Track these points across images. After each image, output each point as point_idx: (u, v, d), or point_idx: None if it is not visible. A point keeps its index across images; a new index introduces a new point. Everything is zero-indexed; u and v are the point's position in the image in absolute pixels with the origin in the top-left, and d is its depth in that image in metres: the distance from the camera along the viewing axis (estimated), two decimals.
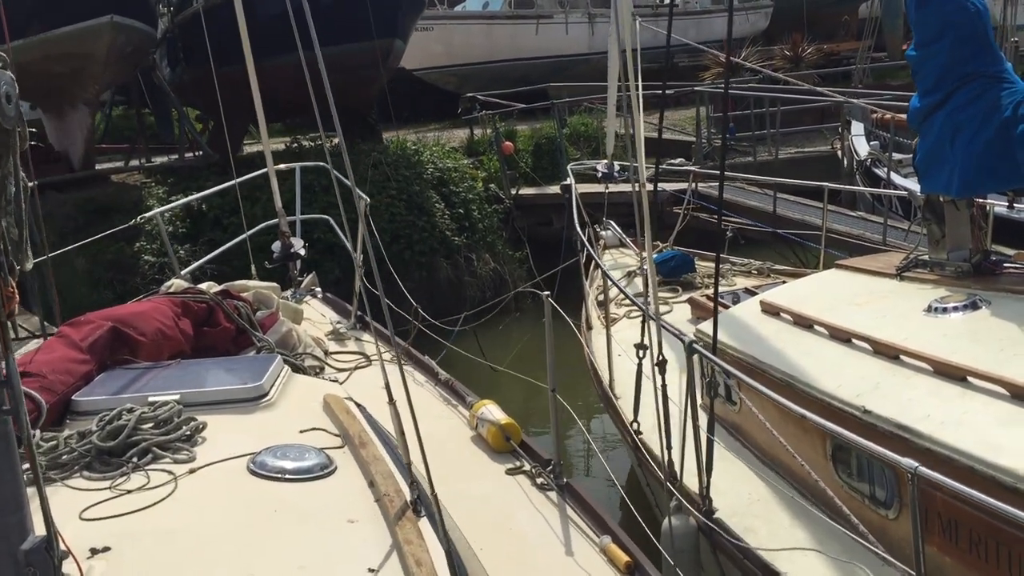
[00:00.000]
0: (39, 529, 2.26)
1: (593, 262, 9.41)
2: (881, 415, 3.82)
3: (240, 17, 6.23)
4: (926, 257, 5.12)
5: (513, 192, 15.51)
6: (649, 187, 5.41)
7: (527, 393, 7.61)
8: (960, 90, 4.76)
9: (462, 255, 13.62)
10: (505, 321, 12.29)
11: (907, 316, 4.52)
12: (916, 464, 2.92)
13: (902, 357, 4.12)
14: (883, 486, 3.93)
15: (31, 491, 2.21)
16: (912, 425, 3.65)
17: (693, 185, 10.90)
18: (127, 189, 14.17)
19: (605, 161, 11.08)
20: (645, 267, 9.13)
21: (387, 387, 2.94)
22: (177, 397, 3.57)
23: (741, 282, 8.22)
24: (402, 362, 5.54)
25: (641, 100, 5.74)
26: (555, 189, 15.12)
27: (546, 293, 4.01)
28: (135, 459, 3.12)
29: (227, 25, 9.26)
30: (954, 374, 3.80)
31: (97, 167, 15.40)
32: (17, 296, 2.26)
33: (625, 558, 3.39)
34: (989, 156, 4.58)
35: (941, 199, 4.98)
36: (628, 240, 10.44)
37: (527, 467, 4.07)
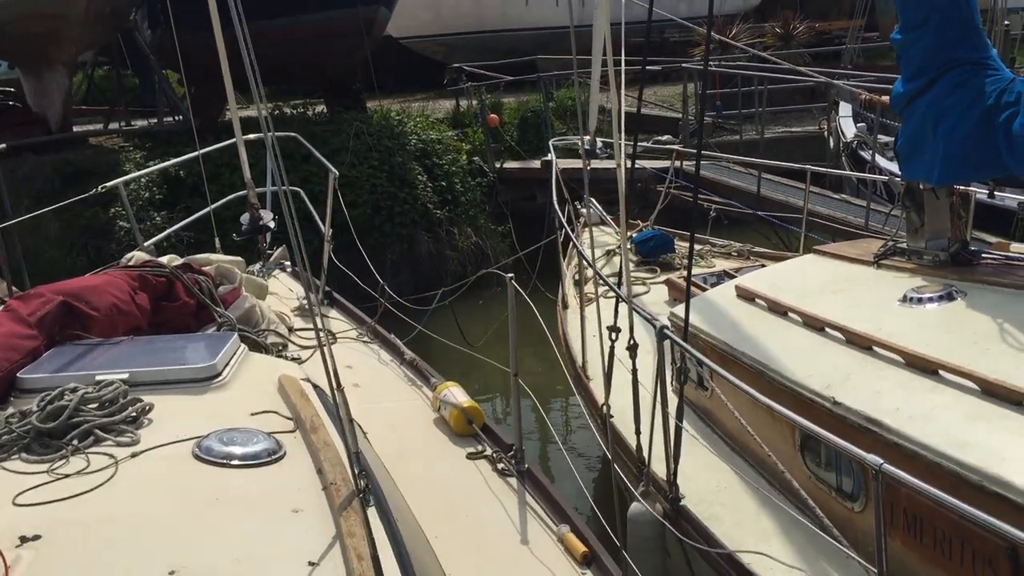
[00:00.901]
0: None
1: (571, 240, 9.31)
2: (851, 407, 3.75)
3: None
4: (904, 245, 5.04)
5: (497, 166, 15.35)
6: (629, 164, 5.28)
7: (504, 373, 7.53)
8: (944, 76, 4.64)
9: (444, 228, 13.49)
10: (485, 296, 12.18)
11: (882, 306, 4.44)
12: (881, 461, 2.85)
13: (874, 348, 4.04)
14: (851, 478, 3.86)
15: None
16: (881, 419, 3.58)
17: (676, 163, 10.76)
18: (105, 152, 13.95)
19: (588, 137, 10.93)
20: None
21: (332, 373, 2.82)
22: (125, 376, 3.45)
23: (721, 264, 8.13)
24: (367, 341, 5.48)
25: (623, 76, 5.61)
26: (540, 163, 14.99)
27: (509, 276, 3.90)
28: (76, 441, 3.00)
29: None
30: (925, 367, 3.73)
31: (76, 129, 15.16)
32: None
33: (582, 548, 3.32)
34: (971, 145, 4.48)
35: (921, 187, 4.89)
36: (608, 218, 10.33)
37: (488, 452, 3.99)
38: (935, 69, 4.69)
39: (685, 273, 8.03)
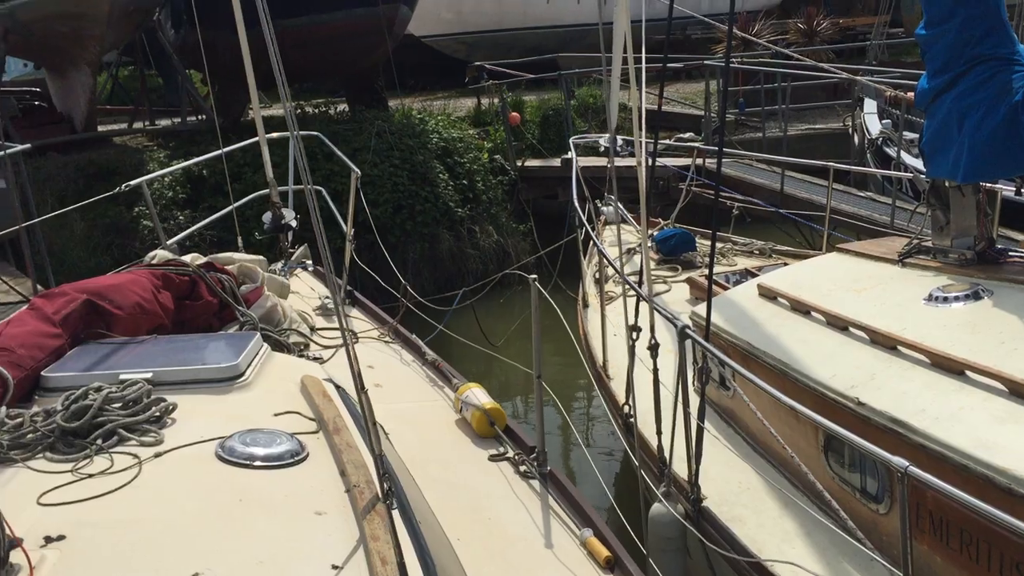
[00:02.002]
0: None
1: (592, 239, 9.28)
2: (875, 408, 3.71)
3: None
4: (929, 243, 4.99)
5: (519, 164, 15.34)
6: (649, 162, 5.25)
7: (525, 371, 7.53)
8: (970, 72, 4.58)
9: (465, 227, 13.48)
10: (507, 295, 12.18)
11: (907, 305, 4.39)
12: (907, 463, 2.81)
13: (899, 348, 4.00)
14: (875, 479, 3.83)
15: None
16: (906, 419, 3.54)
17: (698, 161, 10.71)
18: (129, 151, 14.06)
19: (608, 135, 10.90)
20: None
21: (356, 375, 2.81)
22: (149, 375, 3.46)
23: (743, 262, 8.08)
24: (388, 341, 5.48)
25: (644, 74, 5.59)
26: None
27: (532, 277, 3.89)
28: (100, 441, 3.02)
29: None
30: (952, 367, 3.68)
31: (100, 128, 15.29)
32: None
33: (605, 552, 3.30)
34: (997, 142, 4.42)
35: (947, 184, 4.83)
36: (629, 217, 10.29)
37: (510, 454, 3.98)
38: (961, 65, 4.63)
39: (707, 272, 8.05)
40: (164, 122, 16.25)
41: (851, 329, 4.35)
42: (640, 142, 5.00)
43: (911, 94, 9.21)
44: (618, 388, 5.96)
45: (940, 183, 4.89)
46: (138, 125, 16.09)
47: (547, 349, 6.38)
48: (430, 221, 13.10)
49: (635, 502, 4.46)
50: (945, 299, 4.27)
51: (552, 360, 8.24)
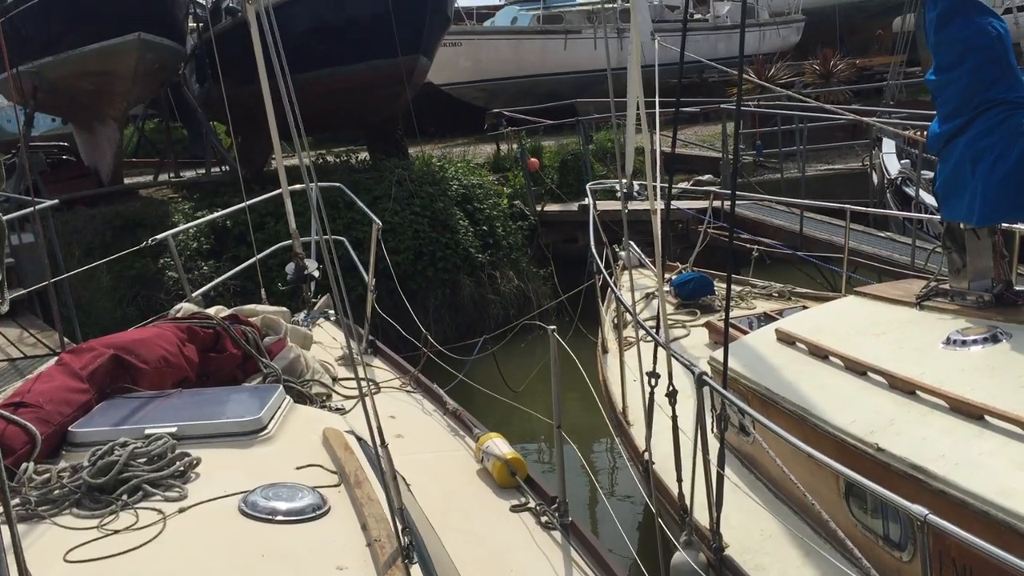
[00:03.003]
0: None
1: (613, 282, 9.31)
2: (894, 454, 3.70)
3: (254, 34, 6.19)
4: (947, 286, 4.99)
5: (538, 209, 15.45)
6: (663, 205, 5.29)
7: (545, 419, 7.54)
8: (981, 116, 4.63)
9: (486, 272, 13.56)
10: (527, 339, 12.21)
11: (925, 349, 4.39)
12: (926, 512, 2.81)
13: (918, 392, 4.00)
14: (898, 526, 3.80)
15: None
16: (926, 465, 3.53)
17: (715, 204, 10.75)
18: (154, 204, 14.29)
19: (625, 180, 10.97)
20: (665, 289, 9.07)
21: (376, 430, 2.86)
22: (173, 430, 3.53)
23: (761, 305, 8.08)
24: (410, 391, 5.52)
25: (658, 118, 5.66)
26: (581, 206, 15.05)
27: (552, 328, 3.92)
28: (125, 496, 3.07)
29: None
30: (971, 412, 3.68)
31: (127, 181, 15.56)
32: None
33: None
34: (1010, 185, 4.46)
35: (962, 227, 4.85)
36: (647, 261, 10.33)
37: (532, 504, 3.99)
38: (971, 110, 4.68)
39: (719, 317, 8.06)
40: (189, 173, 16.52)
41: (869, 374, 4.35)
42: (653, 186, 5.06)
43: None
44: (637, 435, 5.96)
45: (955, 226, 4.91)
46: (164, 177, 16.37)
47: (569, 396, 6.41)
48: (451, 267, 13.19)
49: (655, 548, 4.45)
50: (963, 342, 4.27)
51: (574, 406, 8.24)
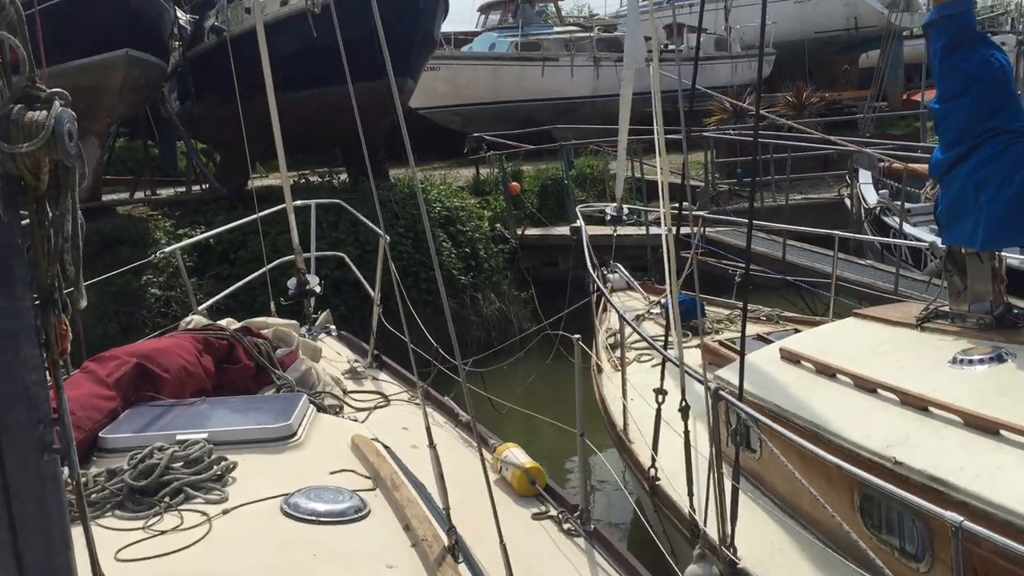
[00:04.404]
0: (83, 570, 2.23)
1: (603, 304, 9.41)
2: (913, 467, 3.79)
3: (263, 51, 6.25)
4: (946, 308, 5.13)
5: (519, 232, 15.55)
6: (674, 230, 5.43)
7: (528, 436, 7.56)
8: (984, 144, 4.79)
9: (468, 294, 13.61)
10: (509, 361, 12.25)
11: (931, 367, 4.51)
12: (960, 518, 2.89)
13: (931, 408, 4.10)
14: (912, 540, 3.89)
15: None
16: (946, 478, 3.63)
17: (701, 230, 10.92)
18: (133, 221, 14.18)
19: (614, 204, 11.13)
20: (654, 311, 9.19)
21: (427, 430, 2.91)
22: (205, 435, 3.54)
23: (751, 328, 8.19)
24: (418, 403, 5.54)
25: (663, 143, 5.80)
26: (561, 230, 15.18)
27: (576, 336, 3.99)
28: (167, 499, 3.08)
29: (244, 60, 9.32)
30: (986, 427, 3.78)
31: (104, 199, 15.43)
32: (70, 334, 2.24)
33: None
34: (1013, 211, 4.61)
35: (963, 251, 4.99)
36: (636, 284, 10.45)
37: (553, 512, 4.03)
38: (974, 138, 4.84)
39: (718, 337, 8.17)
40: (165, 192, 16.43)
41: (880, 391, 4.45)
42: (665, 212, 5.17)
43: (919, 165, 9.45)
44: (639, 451, 6.02)
45: (956, 250, 5.06)
46: (139, 195, 16.25)
47: (562, 417, 6.49)
48: (433, 289, 13.21)
49: (663, 561, 4.51)
50: (970, 361, 4.39)
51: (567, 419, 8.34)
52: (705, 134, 15.63)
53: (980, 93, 4.79)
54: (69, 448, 2.13)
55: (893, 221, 11.26)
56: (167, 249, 6.17)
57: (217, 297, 6.65)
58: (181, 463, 3.27)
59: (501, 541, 2.73)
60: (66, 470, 3.30)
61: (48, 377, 2.11)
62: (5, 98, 2.05)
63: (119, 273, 7.19)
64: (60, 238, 2.21)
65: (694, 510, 4.70)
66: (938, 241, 5.31)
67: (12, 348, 2.01)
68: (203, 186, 15.66)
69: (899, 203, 11.09)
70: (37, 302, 2.14)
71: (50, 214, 2.18)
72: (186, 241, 9.16)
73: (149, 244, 12.64)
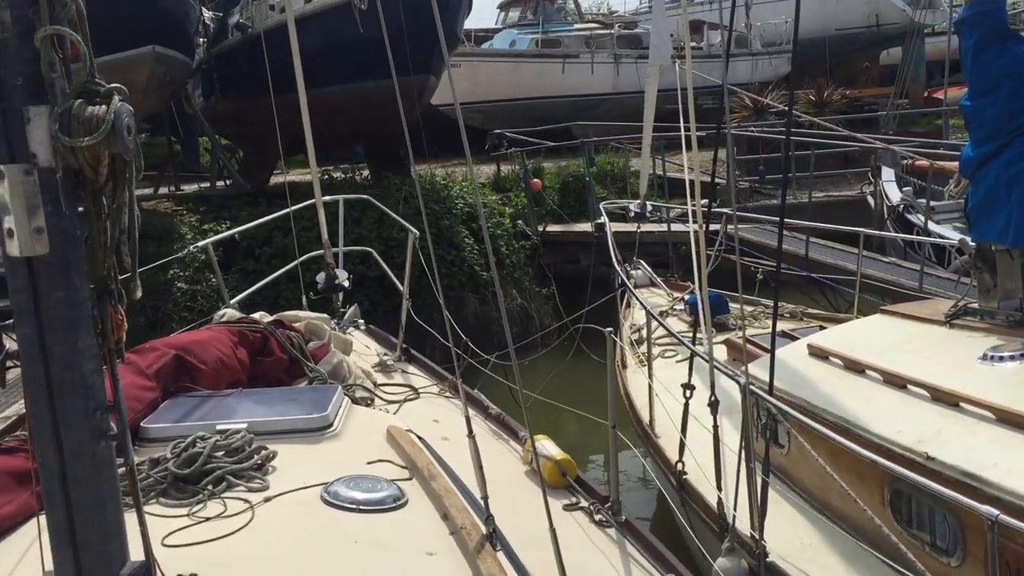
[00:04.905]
0: (135, 554, 2.28)
1: (626, 300, 9.44)
2: (946, 462, 3.80)
3: (294, 46, 6.31)
4: (975, 305, 5.13)
5: (540, 229, 15.58)
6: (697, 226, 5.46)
7: (552, 431, 7.58)
8: (1015, 141, 4.79)
9: (489, 290, 13.65)
10: (531, 356, 12.30)
11: (961, 363, 4.52)
12: (997, 512, 2.91)
13: (962, 404, 4.11)
14: (943, 534, 3.90)
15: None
16: (979, 473, 3.64)
17: (730, 227, 10.91)
18: (158, 216, 14.30)
19: (638, 201, 11.16)
20: (678, 307, 9.21)
21: (467, 420, 2.96)
22: (244, 426, 3.60)
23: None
24: (448, 396, 5.60)
25: (695, 140, 5.83)
26: (582, 227, 15.21)
27: (608, 330, 4.04)
28: (210, 487, 3.14)
29: (272, 56, 9.38)
30: (1019, 423, 3.79)
31: None
32: (125, 324, 2.29)
33: None
34: None
35: (993, 248, 4.99)
36: (659, 280, 10.47)
37: (584, 503, 4.07)
38: (1006, 134, 4.84)
39: (741, 333, 8.18)
40: (188, 187, 16.55)
41: (910, 387, 4.46)
42: (693, 207, 5.19)
43: (940, 163, 9.43)
44: (667, 446, 6.05)
45: (986, 247, 5.06)
46: (163, 190, 16.39)
47: (579, 405, 6.52)
48: (456, 285, 13.28)
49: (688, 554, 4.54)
50: (1000, 358, 4.40)
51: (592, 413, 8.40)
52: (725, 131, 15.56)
53: (1012, 90, 4.79)
54: (124, 435, 2.19)
55: (917, 219, 11.22)
56: (200, 243, 6.24)
57: (250, 290, 6.71)
58: (223, 452, 3.33)
59: (552, 530, 2.77)
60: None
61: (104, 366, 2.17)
62: (66, 93, 2.10)
63: (151, 268, 7.25)
64: (117, 230, 2.26)
65: (723, 504, 4.73)
66: (966, 239, 5.29)
67: (70, 337, 2.06)
68: (227, 182, 15.77)
69: (923, 201, 11.04)
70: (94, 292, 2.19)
71: (107, 207, 2.22)
72: (218, 235, 9.22)
73: (175, 239, 12.74)
